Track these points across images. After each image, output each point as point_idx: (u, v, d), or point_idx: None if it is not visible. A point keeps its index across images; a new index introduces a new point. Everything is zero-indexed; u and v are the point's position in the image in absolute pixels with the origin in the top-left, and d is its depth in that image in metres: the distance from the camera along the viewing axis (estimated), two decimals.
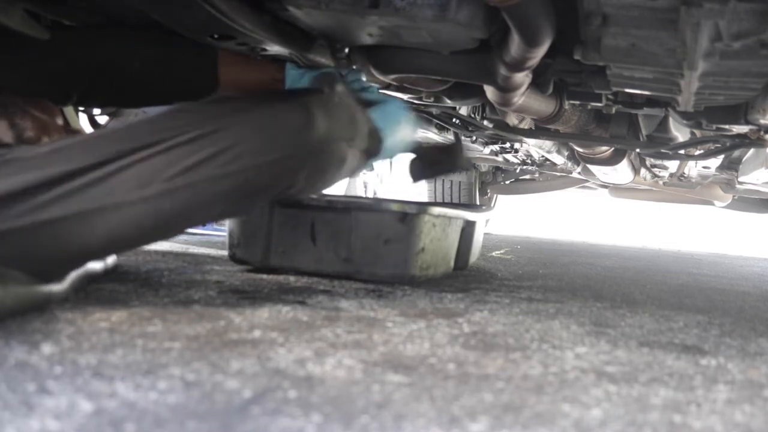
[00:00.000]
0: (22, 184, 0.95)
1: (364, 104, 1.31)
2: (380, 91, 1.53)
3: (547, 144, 2.85)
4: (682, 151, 2.47)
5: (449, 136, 2.86)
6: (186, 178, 1.00)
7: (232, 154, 1.01)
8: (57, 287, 1.01)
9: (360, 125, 1.22)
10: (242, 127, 1.02)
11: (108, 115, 2.12)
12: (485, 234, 3.28)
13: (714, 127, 1.89)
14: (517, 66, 1.36)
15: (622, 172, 3.10)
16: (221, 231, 2.71)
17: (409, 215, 1.49)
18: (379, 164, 6.11)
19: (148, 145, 1.00)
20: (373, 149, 1.27)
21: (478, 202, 4.74)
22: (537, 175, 4.57)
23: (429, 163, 1.62)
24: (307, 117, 1.08)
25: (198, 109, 1.06)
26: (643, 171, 3.43)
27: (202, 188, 1.01)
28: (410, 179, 1.65)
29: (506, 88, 1.55)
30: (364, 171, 1.50)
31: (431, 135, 2.84)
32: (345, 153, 1.16)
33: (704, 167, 3.36)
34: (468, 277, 1.81)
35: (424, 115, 2.50)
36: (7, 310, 0.90)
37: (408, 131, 1.37)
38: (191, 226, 1.11)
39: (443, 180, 4.77)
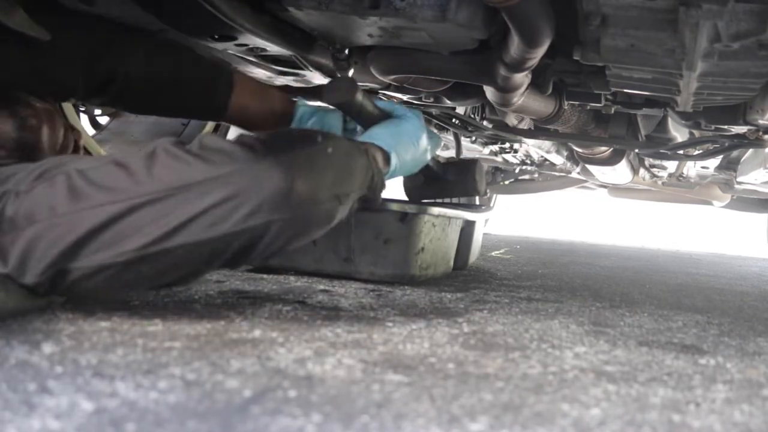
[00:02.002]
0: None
1: (383, 117, 1.27)
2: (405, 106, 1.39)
3: (547, 144, 2.84)
4: (680, 152, 2.47)
5: (449, 137, 2.86)
6: (162, 243, 0.94)
7: (211, 219, 0.94)
8: None
9: (357, 177, 1.10)
10: (221, 190, 0.95)
11: (108, 115, 2.12)
12: (484, 234, 3.28)
13: (713, 127, 1.89)
14: (517, 66, 1.36)
15: (621, 172, 3.10)
16: None
17: (408, 215, 1.49)
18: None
19: (142, 203, 0.94)
20: (374, 195, 1.18)
21: (477, 202, 4.75)
22: (536, 175, 4.56)
23: (435, 182, 1.50)
24: (287, 180, 0.97)
25: (177, 166, 0.96)
26: (641, 171, 3.43)
27: (178, 252, 0.95)
28: (407, 196, 1.51)
29: (506, 89, 1.55)
30: None
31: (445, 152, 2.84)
32: (333, 211, 1.05)
33: (703, 167, 3.36)
34: (467, 277, 1.81)
35: (423, 115, 2.49)
36: (9, 313, 0.90)
37: (424, 152, 1.29)
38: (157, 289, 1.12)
39: None
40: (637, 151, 2.64)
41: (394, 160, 1.21)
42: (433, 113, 2.38)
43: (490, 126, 2.41)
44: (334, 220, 1.06)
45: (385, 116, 1.28)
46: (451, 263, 1.76)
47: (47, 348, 0.79)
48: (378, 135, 1.22)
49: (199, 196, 0.94)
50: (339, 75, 1.49)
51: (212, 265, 1.00)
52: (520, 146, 3.17)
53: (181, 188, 0.94)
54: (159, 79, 1.27)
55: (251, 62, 1.61)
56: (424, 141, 1.28)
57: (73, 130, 1.23)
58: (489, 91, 1.67)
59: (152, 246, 0.93)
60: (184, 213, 0.93)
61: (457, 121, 2.45)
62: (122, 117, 2.14)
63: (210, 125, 2.26)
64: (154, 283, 1.03)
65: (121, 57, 1.24)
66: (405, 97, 1.97)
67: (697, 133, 2.22)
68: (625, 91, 1.60)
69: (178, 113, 1.44)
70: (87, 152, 1.30)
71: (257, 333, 0.94)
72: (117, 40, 1.26)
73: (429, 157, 1.32)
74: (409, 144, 1.24)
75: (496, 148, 3.23)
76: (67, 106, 1.75)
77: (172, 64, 1.28)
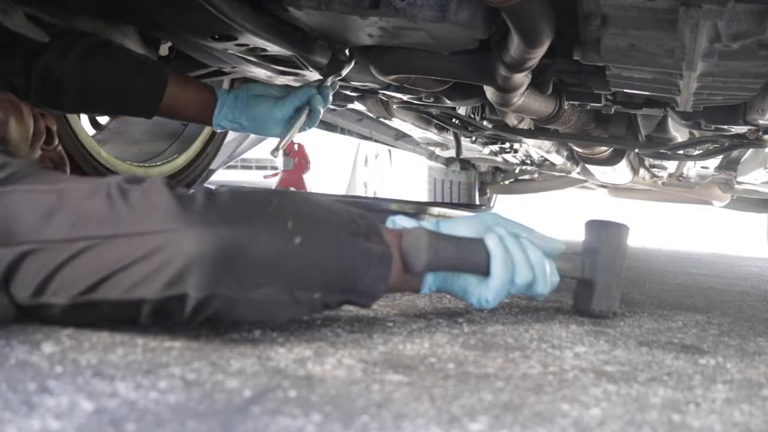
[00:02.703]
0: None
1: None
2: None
3: (547, 144, 2.84)
4: (680, 152, 2.47)
5: (449, 136, 2.86)
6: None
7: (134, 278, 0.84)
8: None
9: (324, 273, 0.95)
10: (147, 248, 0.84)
11: (108, 115, 2.12)
12: None
13: (713, 127, 1.89)
14: (517, 66, 1.36)
15: (621, 172, 3.10)
16: None
17: (408, 215, 1.49)
18: (379, 164, 6.11)
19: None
20: (367, 300, 1.04)
21: (477, 202, 4.75)
22: (536, 175, 4.57)
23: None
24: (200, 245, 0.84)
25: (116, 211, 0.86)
26: (642, 171, 3.43)
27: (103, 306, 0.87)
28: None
29: (506, 89, 1.55)
30: None
31: (430, 134, 2.84)
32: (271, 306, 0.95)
33: (703, 167, 3.36)
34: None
35: (424, 116, 2.50)
36: (11, 318, 0.89)
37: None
38: None
39: (443, 180, 4.78)
40: (637, 151, 2.64)
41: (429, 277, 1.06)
42: (433, 113, 2.38)
43: (490, 126, 2.41)
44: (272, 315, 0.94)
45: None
46: None
47: (47, 348, 0.79)
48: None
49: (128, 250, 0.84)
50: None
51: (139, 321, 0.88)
52: (520, 146, 3.17)
53: (110, 237, 0.84)
54: (93, 79, 1.30)
55: (251, 62, 1.61)
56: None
57: (44, 117, 1.24)
58: (489, 91, 1.67)
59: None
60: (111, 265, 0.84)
61: (457, 121, 2.45)
62: (122, 117, 2.14)
63: (207, 130, 2.27)
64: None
65: (57, 57, 1.27)
66: (405, 97, 1.97)
67: (697, 133, 2.22)
68: (626, 91, 1.60)
69: (112, 112, 1.47)
70: (60, 139, 1.30)
71: (257, 333, 0.94)
72: (54, 41, 1.29)
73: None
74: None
75: (496, 148, 3.23)
76: None
77: (105, 65, 1.32)
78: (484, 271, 1.07)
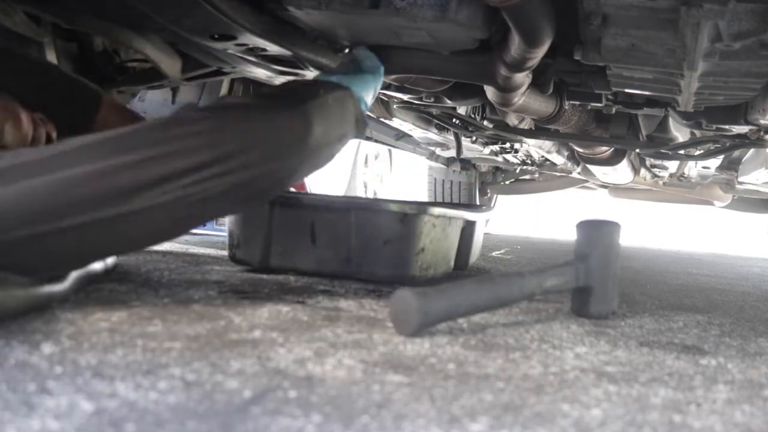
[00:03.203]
0: (34, 191, 0.96)
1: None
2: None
3: (547, 144, 2.84)
4: (681, 152, 2.47)
5: (449, 136, 2.86)
6: (198, 186, 1.03)
7: (240, 163, 1.06)
8: (58, 287, 1.02)
9: (349, 121, 1.28)
10: (249, 137, 1.08)
11: None
12: (485, 234, 3.28)
13: (714, 127, 1.89)
14: (518, 66, 1.36)
15: (621, 173, 3.10)
16: (221, 231, 2.71)
17: (409, 215, 1.49)
18: (379, 164, 6.10)
19: (161, 155, 1.02)
20: (360, 131, 1.35)
21: (478, 202, 4.75)
22: (537, 175, 4.56)
23: None
24: (307, 126, 1.14)
25: (204, 116, 1.08)
26: (642, 171, 3.43)
27: (214, 194, 1.05)
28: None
29: (506, 89, 1.55)
30: None
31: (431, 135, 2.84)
32: (336, 150, 1.25)
33: (704, 167, 3.36)
34: (468, 277, 1.81)
35: (424, 116, 2.50)
36: (9, 312, 0.90)
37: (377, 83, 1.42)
38: (199, 226, 1.18)
39: (443, 180, 4.78)
40: (638, 151, 2.64)
41: (362, 98, 1.35)
42: (434, 113, 2.38)
43: (491, 126, 2.41)
44: (334, 156, 1.25)
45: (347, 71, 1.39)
46: (452, 263, 1.76)
47: (47, 348, 0.79)
48: (351, 81, 1.34)
49: (232, 147, 1.05)
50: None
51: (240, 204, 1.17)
52: (521, 146, 3.17)
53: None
54: (29, 97, 1.31)
55: (251, 62, 1.61)
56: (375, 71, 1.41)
57: (45, 123, 1.25)
58: (489, 91, 1.67)
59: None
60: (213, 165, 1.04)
61: (457, 121, 2.45)
62: None
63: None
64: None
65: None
66: (405, 97, 1.97)
67: (698, 133, 2.21)
68: (626, 90, 1.60)
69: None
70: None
71: (257, 333, 0.94)
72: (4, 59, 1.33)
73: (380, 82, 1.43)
74: (373, 86, 1.39)
75: (496, 148, 3.23)
76: None
77: (39, 83, 1.36)
78: None
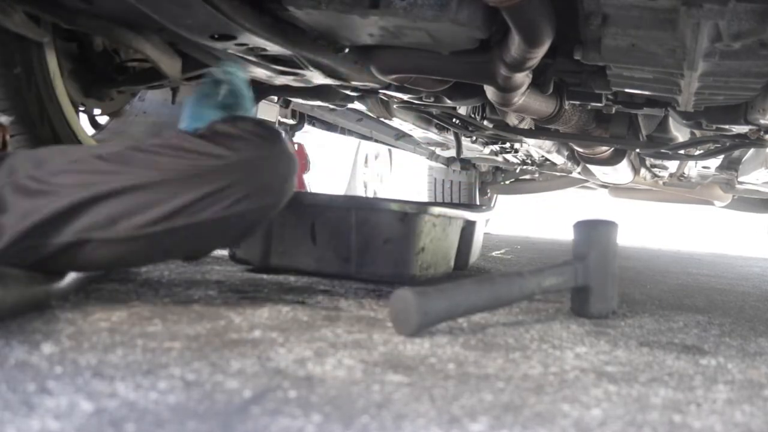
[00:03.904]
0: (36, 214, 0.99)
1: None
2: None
3: (547, 144, 2.84)
4: (681, 151, 2.47)
5: (449, 136, 2.86)
6: (186, 218, 1.04)
7: (233, 199, 1.06)
8: (56, 285, 1.02)
9: None
10: (241, 173, 1.06)
11: (108, 115, 2.12)
12: (485, 234, 3.28)
13: (714, 127, 1.89)
14: (518, 66, 1.36)
15: (622, 172, 3.10)
16: None
17: (409, 215, 1.49)
18: (379, 164, 6.11)
19: (151, 183, 1.03)
20: None
21: (478, 202, 4.75)
22: (537, 175, 4.57)
23: None
24: (292, 163, 1.14)
25: (196, 147, 1.07)
26: (643, 171, 3.43)
27: (201, 227, 1.05)
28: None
29: (506, 88, 1.55)
30: None
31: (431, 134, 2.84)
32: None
33: (704, 167, 3.36)
34: (468, 277, 1.81)
35: (424, 116, 2.50)
36: (8, 309, 0.90)
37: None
38: (182, 257, 1.17)
39: (443, 180, 4.78)
40: (638, 151, 2.64)
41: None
42: (434, 113, 2.38)
43: (491, 126, 2.41)
44: None
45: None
46: (452, 263, 1.76)
47: (47, 348, 0.79)
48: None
49: (224, 181, 1.04)
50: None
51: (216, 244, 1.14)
52: (521, 146, 3.17)
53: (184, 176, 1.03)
54: None
55: (251, 62, 1.60)
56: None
57: (3, 127, 1.28)
58: (490, 91, 1.67)
59: (155, 225, 1.01)
60: (188, 198, 1.02)
61: (457, 121, 2.45)
62: (122, 117, 2.14)
63: None
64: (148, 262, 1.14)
65: None
66: (405, 97, 1.97)
67: (698, 132, 2.22)
68: (626, 90, 1.60)
69: None
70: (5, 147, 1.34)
71: (257, 333, 0.94)
72: None
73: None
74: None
75: (496, 147, 3.23)
76: (66, 105, 1.75)
77: None
78: None
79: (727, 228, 7.27)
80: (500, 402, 0.72)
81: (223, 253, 1.87)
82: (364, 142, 4.76)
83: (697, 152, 2.49)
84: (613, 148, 2.71)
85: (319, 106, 2.79)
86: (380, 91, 1.90)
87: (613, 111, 1.96)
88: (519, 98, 1.66)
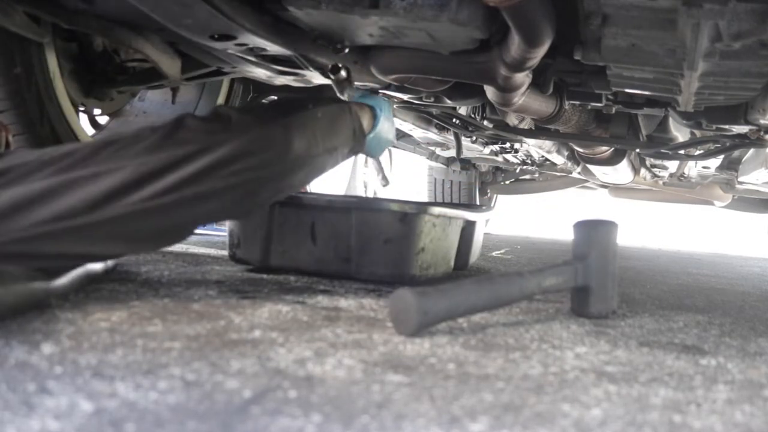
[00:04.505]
0: (30, 191, 0.99)
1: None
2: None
3: (547, 144, 2.84)
4: (682, 151, 2.47)
5: (449, 136, 2.86)
6: (192, 189, 1.08)
7: (230, 170, 1.11)
8: (56, 283, 1.01)
9: (341, 133, 1.33)
10: (235, 147, 1.12)
11: (108, 115, 2.12)
12: (485, 234, 3.28)
13: (714, 127, 1.89)
14: (518, 66, 1.36)
15: (622, 172, 3.10)
16: (221, 231, 2.71)
17: (409, 215, 1.49)
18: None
19: (161, 162, 1.07)
20: (359, 148, 1.41)
21: (478, 202, 4.75)
22: (537, 175, 4.56)
23: None
24: (287, 138, 1.19)
25: (198, 127, 1.13)
26: (643, 171, 3.43)
27: (206, 197, 1.10)
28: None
29: (506, 88, 1.55)
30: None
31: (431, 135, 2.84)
32: (325, 163, 1.29)
33: (704, 167, 3.36)
34: (468, 277, 1.81)
35: (424, 116, 2.49)
36: (8, 308, 0.90)
37: (392, 127, 1.51)
38: (195, 229, 1.17)
39: (443, 180, 4.78)
40: (638, 151, 2.64)
41: (379, 115, 1.44)
42: (434, 113, 2.38)
43: (491, 126, 2.41)
44: (324, 170, 1.30)
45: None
46: (452, 263, 1.76)
47: (47, 348, 0.79)
48: (367, 98, 1.47)
49: (222, 154, 1.10)
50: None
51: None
52: (521, 146, 3.17)
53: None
54: None
55: (251, 62, 1.61)
56: (391, 117, 1.51)
57: (4, 127, 1.29)
58: (490, 91, 1.67)
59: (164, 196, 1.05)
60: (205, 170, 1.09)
61: (457, 121, 2.45)
62: (122, 117, 2.14)
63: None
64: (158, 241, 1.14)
65: None
66: (405, 97, 1.97)
67: (698, 132, 2.21)
68: (626, 90, 1.60)
69: None
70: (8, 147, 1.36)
71: (257, 333, 0.94)
72: None
73: (393, 137, 1.54)
74: (387, 111, 1.47)
75: (496, 148, 3.23)
76: (66, 105, 1.75)
77: None
78: None
79: (727, 228, 7.27)
80: (500, 402, 0.72)
81: (223, 253, 1.87)
82: None
83: (697, 152, 2.49)
84: (613, 148, 2.71)
85: None
86: (380, 91, 1.90)
87: (613, 111, 1.96)
88: (519, 98, 1.66)
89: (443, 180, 4.77)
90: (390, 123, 1.50)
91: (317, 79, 1.70)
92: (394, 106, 2.29)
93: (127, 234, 1.05)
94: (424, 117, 2.52)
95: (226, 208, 1.16)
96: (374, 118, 1.45)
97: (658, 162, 3.27)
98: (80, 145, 1.08)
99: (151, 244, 1.15)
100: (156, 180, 1.05)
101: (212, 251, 2.00)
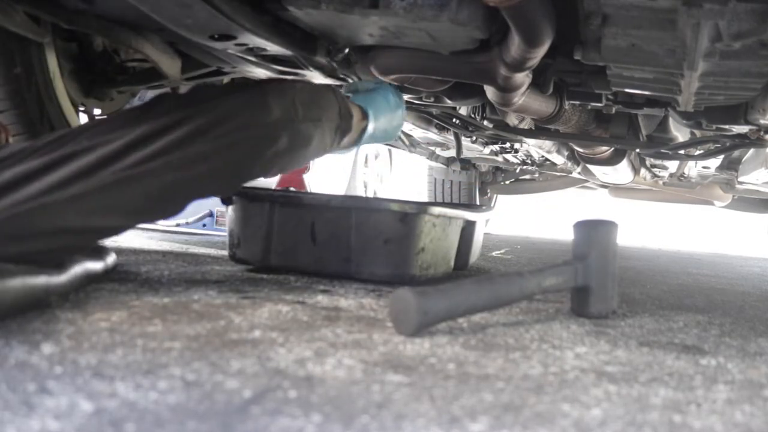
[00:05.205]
0: (25, 170, 1.06)
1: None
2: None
3: (547, 144, 2.84)
4: (682, 151, 2.47)
5: (449, 136, 2.86)
6: (178, 153, 1.12)
7: (214, 133, 1.16)
8: (55, 279, 1.01)
9: (325, 106, 1.35)
10: (216, 113, 1.18)
11: (108, 115, 2.12)
12: (485, 234, 3.28)
13: (714, 127, 1.89)
14: (518, 66, 1.36)
15: (622, 172, 3.09)
16: (221, 231, 2.71)
17: (409, 215, 1.49)
18: (379, 164, 6.11)
19: (146, 131, 1.13)
20: (346, 127, 1.42)
21: (478, 202, 4.75)
22: (537, 175, 4.56)
23: None
24: (264, 101, 1.23)
25: (179, 99, 1.22)
26: (643, 171, 3.43)
27: (192, 161, 1.14)
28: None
29: (506, 88, 1.55)
30: (348, 150, 1.56)
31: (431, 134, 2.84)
32: (310, 134, 1.30)
33: (704, 167, 3.35)
34: (468, 277, 1.81)
35: (424, 116, 2.49)
36: (7, 306, 0.89)
37: (396, 115, 1.55)
38: (189, 200, 1.19)
39: (443, 180, 4.78)
40: (638, 151, 2.64)
41: (371, 114, 1.48)
42: (434, 113, 2.38)
43: (491, 126, 2.41)
44: (312, 140, 1.30)
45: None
46: (452, 263, 1.76)
47: (47, 348, 0.79)
48: (355, 98, 1.51)
49: (205, 119, 1.16)
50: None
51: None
52: (521, 146, 3.17)
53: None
54: None
55: (251, 62, 1.61)
56: (395, 103, 1.56)
57: (3, 127, 1.31)
58: (490, 91, 1.67)
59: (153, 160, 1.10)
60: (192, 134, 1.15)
61: (457, 121, 2.45)
62: None
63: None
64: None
65: None
66: (406, 97, 1.97)
67: (698, 132, 2.21)
68: (626, 90, 1.60)
69: None
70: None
71: (257, 333, 0.94)
72: None
73: (402, 120, 1.59)
74: (383, 106, 1.51)
75: (496, 147, 3.23)
76: (66, 105, 1.75)
77: None
78: None
79: (727, 228, 7.27)
80: (500, 402, 0.72)
81: (223, 253, 1.87)
82: None
83: (697, 152, 2.49)
84: (613, 148, 2.71)
85: None
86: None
87: (613, 111, 1.96)
88: (519, 98, 1.66)
89: (443, 180, 4.77)
90: (390, 114, 1.53)
91: (317, 79, 1.70)
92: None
93: (122, 204, 1.07)
94: (424, 117, 2.52)
95: (214, 175, 1.17)
96: (365, 117, 1.49)
97: (658, 162, 3.27)
98: (72, 128, 1.13)
99: (147, 215, 1.15)
100: (143, 146, 1.10)
101: (212, 251, 2.00)
